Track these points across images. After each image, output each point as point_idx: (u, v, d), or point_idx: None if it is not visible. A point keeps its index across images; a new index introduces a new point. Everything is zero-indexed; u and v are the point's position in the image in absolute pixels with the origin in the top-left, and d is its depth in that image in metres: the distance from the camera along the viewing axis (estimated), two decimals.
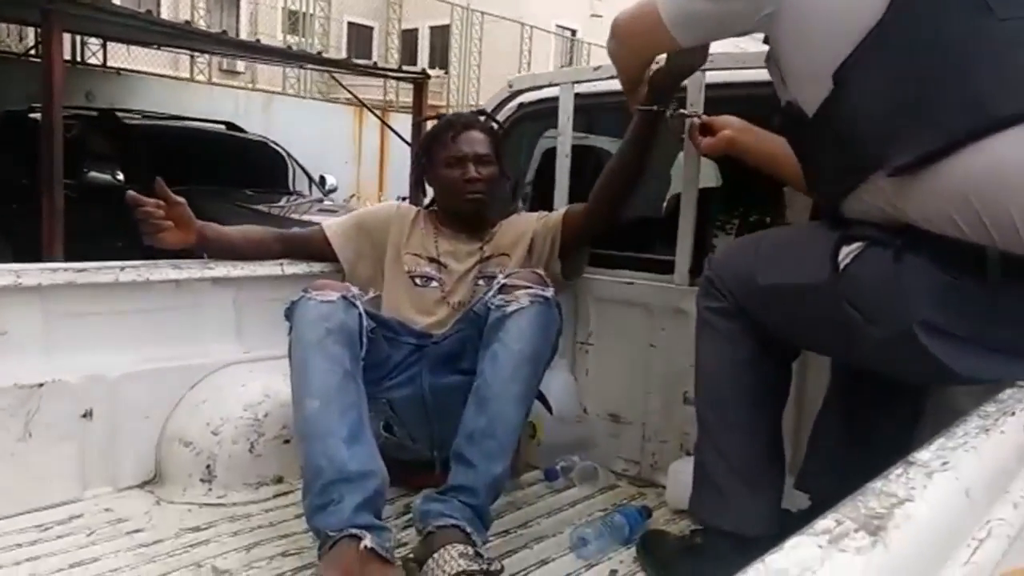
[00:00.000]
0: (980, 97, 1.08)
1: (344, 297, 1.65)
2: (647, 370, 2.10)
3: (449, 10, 14.94)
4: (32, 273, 1.62)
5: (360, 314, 1.66)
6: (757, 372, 1.48)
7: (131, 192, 1.76)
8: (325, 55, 8.80)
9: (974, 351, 1.14)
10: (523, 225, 2.07)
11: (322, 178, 7.16)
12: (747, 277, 1.44)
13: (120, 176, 5.97)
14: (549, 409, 1.87)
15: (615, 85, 2.05)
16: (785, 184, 1.83)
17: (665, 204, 2.86)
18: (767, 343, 1.46)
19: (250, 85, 13.53)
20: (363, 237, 2.08)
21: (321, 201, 6.64)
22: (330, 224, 2.11)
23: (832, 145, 1.26)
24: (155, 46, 9.21)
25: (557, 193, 2.22)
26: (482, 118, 2.15)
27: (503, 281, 1.69)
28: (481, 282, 1.97)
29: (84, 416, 1.71)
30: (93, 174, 5.93)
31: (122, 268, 1.75)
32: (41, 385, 1.64)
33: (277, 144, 7.31)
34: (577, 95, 2.18)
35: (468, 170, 1.98)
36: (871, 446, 1.53)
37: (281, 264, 2.03)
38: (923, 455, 0.73)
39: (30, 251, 5.88)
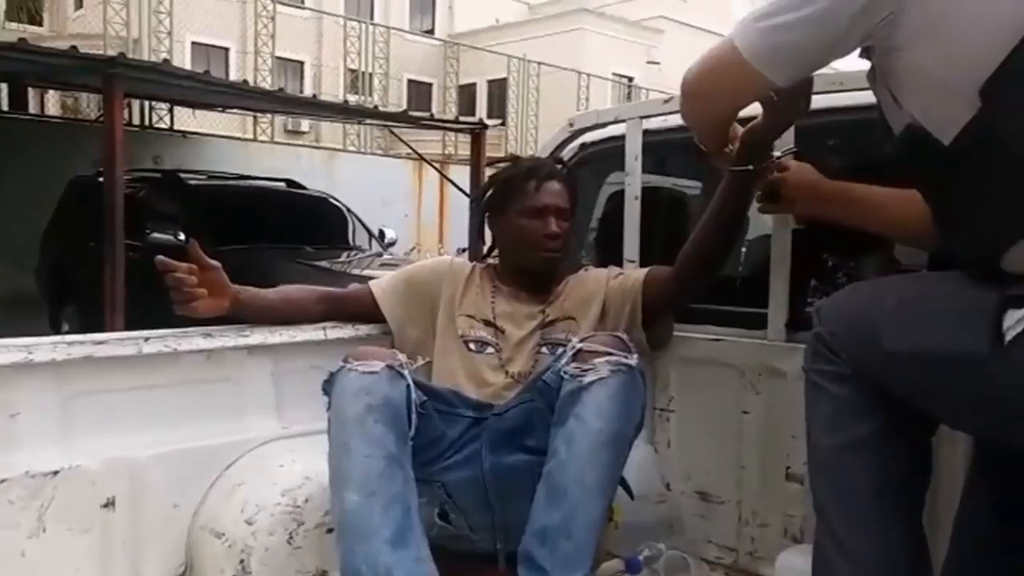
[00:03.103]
0: None
1: (389, 367, 1.44)
2: (740, 440, 1.83)
3: (506, 64, 15.04)
4: (45, 348, 1.46)
5: (408, 386, 1.45)
6: (886, 451, 1.20)
7: (160, 257, 1.60)
8: (399, 113, 8.79)
9: None
10: (592, 284, 1.83)
11: (381, 232, 7.10)
12: (869, 337, 1.17)
13: (181, 236, 5.99)
14: (629, 492, 1.61)
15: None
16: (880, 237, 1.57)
17: (744, 249, 2.61)
18: (898, 414, 1.19)
19: (315, 143, 13.78)
20: (413, 295, 1.88)
21: (380, 255, 6.56)
22: (378, 282, 1.92)
23: (984, 180, 1.01)
24: (219, 108, 9.42)
25: (627, 241, 1.99)
26: (558, 166, 1.94)
27: (579, 346, 1.46)
28: (544, 350, 1.74)
29: (105, 505, 1.53)
30: (155, 235, 5.97)
31: (146, 339, 1.57)
32: (56, 472, 1.46)
33: (337, 199, 7.30)
34: (646, 132, 1.97)
35: (549, 224, 1.77)
36: None
37: (324, 328, 1.84)
38: None
39: (97, 314, 5.92)
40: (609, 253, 2.18)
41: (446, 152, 12.59)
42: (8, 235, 7.51)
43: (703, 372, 1.90)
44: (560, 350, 1.59)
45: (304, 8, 19.34)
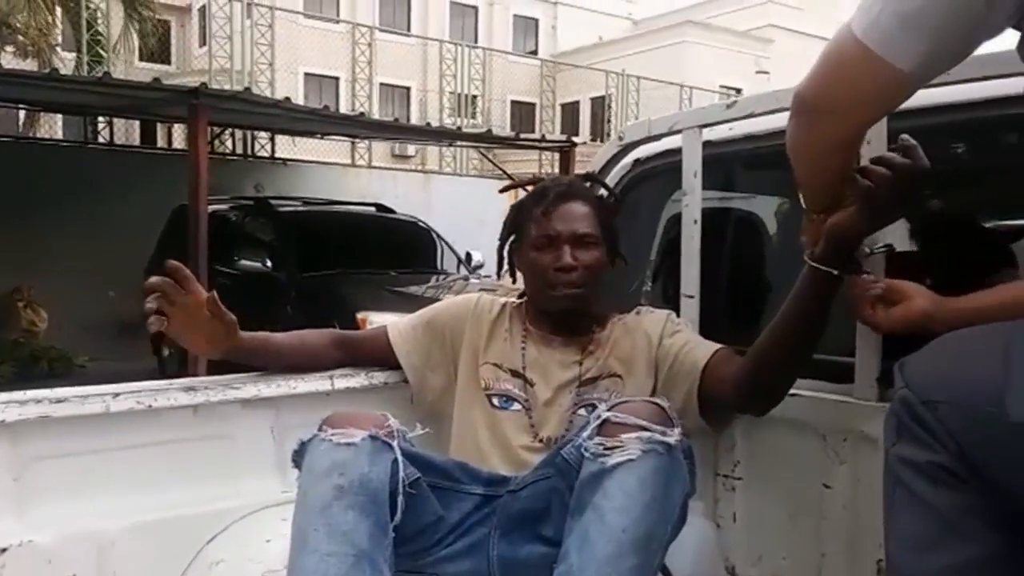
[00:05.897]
0: None
1: (372, 437, 1.20)
2: (820, 520, 1.48)
3: (606, 81, 14.74)
4: None
5: (396, 460, 1.20)
6: None
7: (153, 279, 1.42)
8: (484, 133, 8.68)
9: None
10: (642, 338, 1.51)
11: (468, 255, 6.94)
12: (986, 406, 0.84)
13: (268, 263, 6.03)
14: None
15: (757, 126, 1.53)
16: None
17: None
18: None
19: (420, 167, 13.87)
20: (433, 339, 1.64)
21: (467, 279, 6.39)
22: (396, 323, 1.69)
23: None
24: (317, 136, 9.56)
25: (684, 273, 1.68)
26: (587, 184, 1.68)
27: (605, 415, 1.17)
28: (582, 411, 1.45)
29: None
30: (244, 261, 6.04)
31: (115, 395, 1.39)
32: (4, 551, 1.29)
33: (424, 223, 7.22)
34: (708, 143, 1.66)
35: (562, 255, 1.49)
36: None
37: (330, 377, 1.63)
38: None
39: None
40: (670, 288, 1.88)
41: (543, 172, 12.42)
42: (120, 263, 7.77)
43: (776, 433, 1.56)
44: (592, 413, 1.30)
45: (408, 35, 19.72)
